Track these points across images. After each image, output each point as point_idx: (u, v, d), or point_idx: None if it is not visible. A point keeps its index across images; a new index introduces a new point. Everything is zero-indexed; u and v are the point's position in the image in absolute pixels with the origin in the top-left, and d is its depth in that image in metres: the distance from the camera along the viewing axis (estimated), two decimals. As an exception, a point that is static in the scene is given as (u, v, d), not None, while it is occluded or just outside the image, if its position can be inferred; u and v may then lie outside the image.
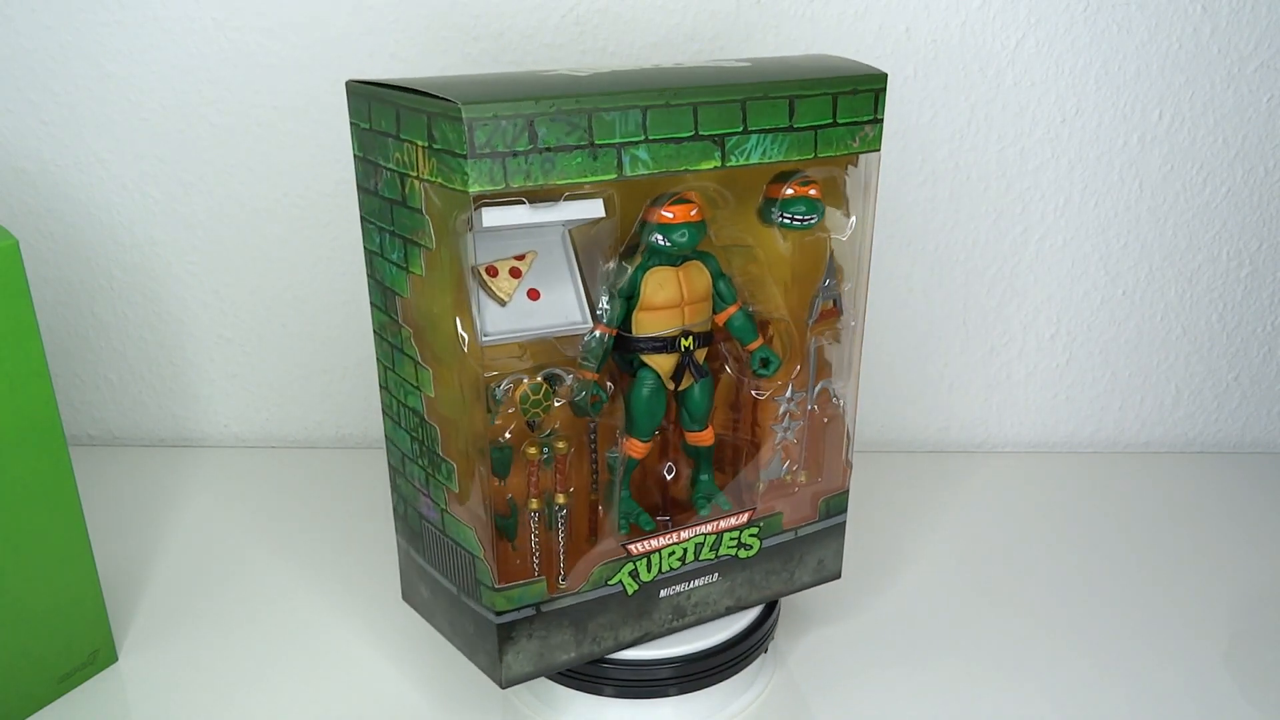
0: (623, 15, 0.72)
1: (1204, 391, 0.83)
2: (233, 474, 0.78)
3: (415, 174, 0.42)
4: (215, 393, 0.82)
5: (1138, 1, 0.72)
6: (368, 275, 0.49)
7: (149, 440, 0.84)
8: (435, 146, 0.41)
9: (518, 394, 0.46)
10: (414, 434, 0.48)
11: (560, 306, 0.46)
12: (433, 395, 0.46)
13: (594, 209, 0.45)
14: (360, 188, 0.47)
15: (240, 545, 0.68)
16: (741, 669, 0.52)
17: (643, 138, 0.43)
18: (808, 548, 0.54)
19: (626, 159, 0.43)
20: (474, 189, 0.40)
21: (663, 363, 0.48)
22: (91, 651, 0.56)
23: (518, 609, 0.46)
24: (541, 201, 0.43)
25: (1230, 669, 0.58)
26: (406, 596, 0.54)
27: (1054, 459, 0.81)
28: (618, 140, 0.42)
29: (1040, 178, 0.76)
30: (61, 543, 0.53)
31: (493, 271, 0.45)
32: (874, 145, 0.49)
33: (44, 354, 0.50)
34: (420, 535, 0.50)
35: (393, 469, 0.52)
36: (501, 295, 0.45)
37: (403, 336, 0.47)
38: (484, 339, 0.44)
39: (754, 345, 0.51)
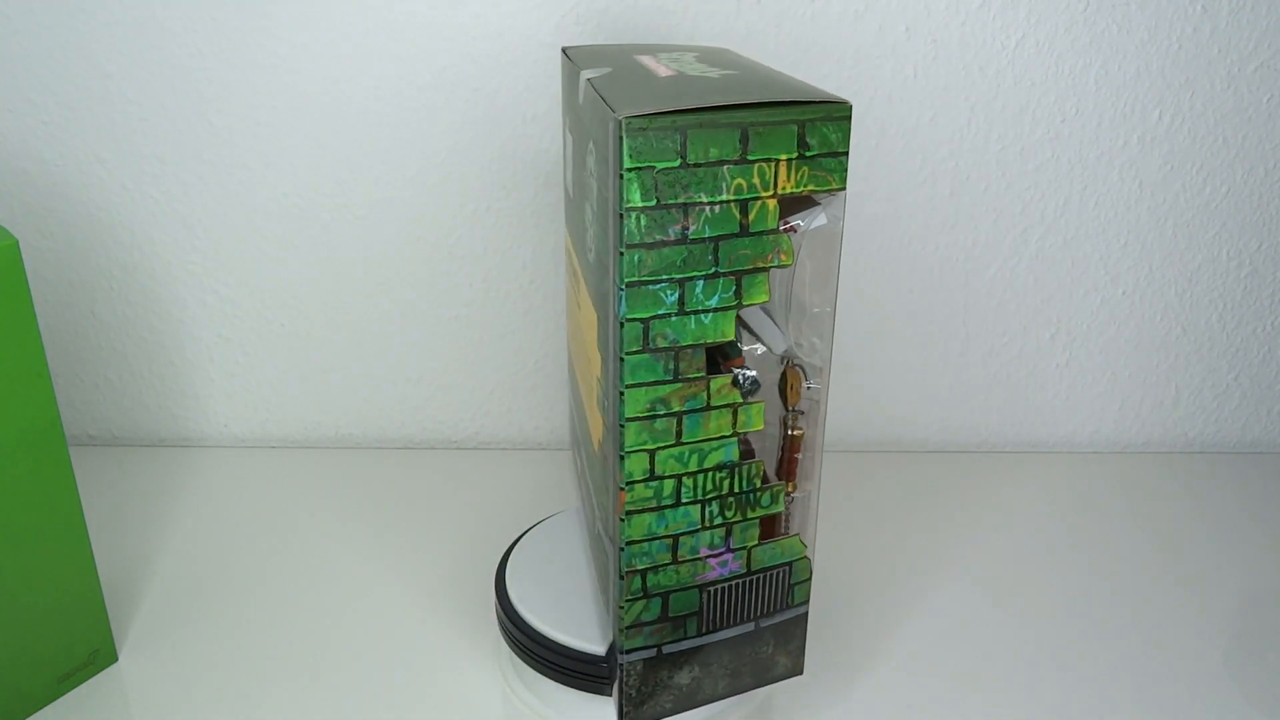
0: (623, 15, 0.72)
1: (1204, 391, 0.83)
2: (233, 474, 0.78)
3: (770, 192, 0.40)
4: (215, 393, 0.82)
5: (1138, 1, 0.72)
6: (629, 353, 0.41)
7: (149, 440, 0.84)
8: (809, 153, 0.40)
9: (790, 387, 0.46)
10: (717, 491, 0.45)
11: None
12: (761, 427, 0.44)
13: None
14: (639, 245, 0.39)
15: (240, 545, 0.68)
16: (742, 669, 0.53)
17: None
18: None
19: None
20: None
21: None
22: (91, 651, 0.56)
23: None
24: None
25: (1230, 669, 0.58)
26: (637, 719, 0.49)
27: (1054, 459, 0.81)
28: None
29: (1040, 178, 0.76)
30: (61, 543, 0.53)
31: None
32: None
33: (44, 354, 0.50)
34: (696, 613, 0.47)
35: (640, 573, 0.45)
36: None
37: (711, 390, 0.43)
38: (785, 343, 0.45)
39: None
